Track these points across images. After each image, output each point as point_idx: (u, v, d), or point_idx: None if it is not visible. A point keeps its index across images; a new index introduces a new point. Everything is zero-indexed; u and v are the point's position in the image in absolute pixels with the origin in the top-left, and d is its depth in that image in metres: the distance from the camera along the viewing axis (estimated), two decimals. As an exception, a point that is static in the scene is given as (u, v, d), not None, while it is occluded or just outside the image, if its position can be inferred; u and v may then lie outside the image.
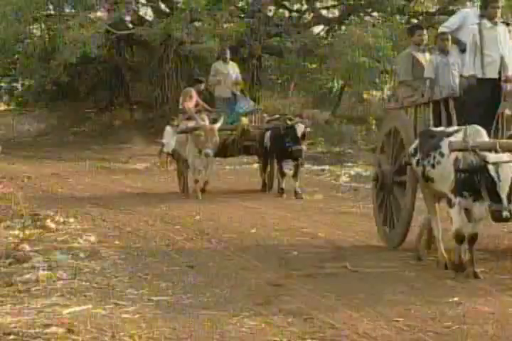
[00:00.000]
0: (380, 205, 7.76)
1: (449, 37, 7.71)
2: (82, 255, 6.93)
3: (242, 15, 22.88)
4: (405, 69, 7.96)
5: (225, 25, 21.83)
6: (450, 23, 8.00)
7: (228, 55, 13.12)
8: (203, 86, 13.17)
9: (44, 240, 7.59)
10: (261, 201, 11.06)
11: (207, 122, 11.51)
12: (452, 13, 23.66)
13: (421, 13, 23.96)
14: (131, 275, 6.28)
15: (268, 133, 11.92)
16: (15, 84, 27.55)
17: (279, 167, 11.75)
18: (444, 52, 7.65)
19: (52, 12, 23.23)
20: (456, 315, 5.07)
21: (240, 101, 12.73)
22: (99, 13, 22.90)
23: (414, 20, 23.72)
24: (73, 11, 22.82)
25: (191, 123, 11.67)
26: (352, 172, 14.20)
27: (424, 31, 8.37)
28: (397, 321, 4.94)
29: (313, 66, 24.50)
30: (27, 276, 6.04)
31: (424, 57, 7.94)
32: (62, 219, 8.86)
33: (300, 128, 11.29)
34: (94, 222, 9.09)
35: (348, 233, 8.26)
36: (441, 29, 8.02)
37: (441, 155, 6.45)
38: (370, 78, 21.18)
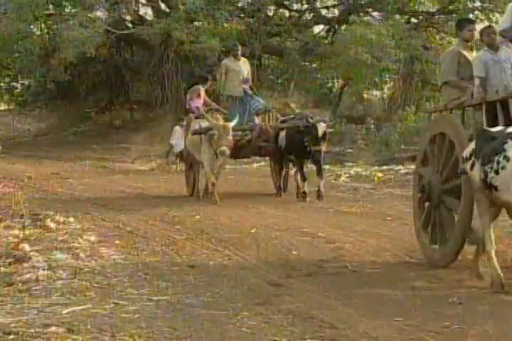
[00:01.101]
0: (425, 219, 6.94)
1: (496, 30, 6.93)
2: (82, 255, 6.93)
3: (242, 15, 22.88)
4: (450, 69, 7.08)
5: (224, 25, 21.83)
6: (503, 21, 7.19)
7: (240, 51, 12.39)
8: (209, 83, 12.65)
9: (44, 240, 7.60)
10: (261, 201, 11.05)
11: (221, 121, 10.98)
12: (452, 12, 23.85)
13: (421, 12, 23.98)
14: (131, 275, 6.28)
15: (283, 133, 11.34)
16: (14, 84, 27.56)
17: (299, 168, 11.22)
18: (493, 47, 6.82)
19: (52, 11, 23.24)
20: (456, 315, 5.07)
21: (253, 101, 12.06)
22: (98, 13, 22.91)
23: (415, 20, 23.75)
24: (73, 10, 22.83)
25: (204, 123, 11.16)
26: (352, 172, 14.20)
27: (476, 26, 7.38)
28: (397, 321, 4.94)
29: (314, 66, 24.51)
30: (27, 276, 6.04)
31: (472, 55, 7.07)
32: (62, 219, 8.86)
33: (322, 128, 10.71)
34: (94, 222, 9.09)
35: (348, 233, 8.25)
36: (499, 30, 7.10)
37: (507, 159, 5.72)
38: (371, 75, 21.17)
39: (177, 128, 16.81)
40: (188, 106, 12.29)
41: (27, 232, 7.91)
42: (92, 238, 7.81)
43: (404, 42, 21.21)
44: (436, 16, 23.67)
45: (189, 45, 21.06)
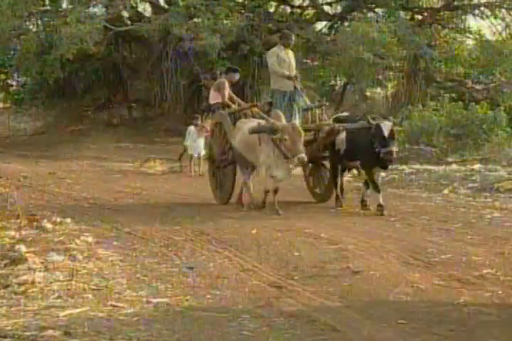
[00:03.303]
0: None
1: None
2: (79, 256, 6.93)
3: (243, 11, 22.89)
4: None
5: (224, 21, 21.83)
6: None
7: (292, 41, 11.10)
8: (237, 76, 11.51)
9: (40, 241, 7.59)
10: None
11: (283, 120, 9.80)
12: (457, 8, 23.85)
13: (425, 8, 23.97)
14: (130, 277, 6.28)
15: (342, 135, 10.18)
16: (10, 82, 27.56)
17: (370, 177, 10.03)
18: None
19: (48, 7, 23.25)
20: (462, 318, 5.07)
21: (302, 97, 10.82)
22: (96, 9, 22.93)
23: (419, 17, 23.76)
24: (70, 6, 22.86)
25: (252, 122, 10.05)
26: (355, 171, 14.17)
27: None
28: (401, 323, 4.94)
29: (316, 63, 24.52)
30: (23, 278, 6.03)
31: None
32: (58, 220, 8.85)
33: (387, 127, 9.65)
34: (92, 223, 9.09)
35: (350, 233, 8.25)
36: None
37: None
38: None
39: (191, 128, 16.10)
40: (213, 102, 11.22)
41: (23, 233, 7.92)
42: (90, 239, 7.80)
43: (408, 39, 21.22)
44: (441, 12, 23.68)
45: (189, 41, 21.07)
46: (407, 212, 9.82)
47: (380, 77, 23.01)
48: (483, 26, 23.44)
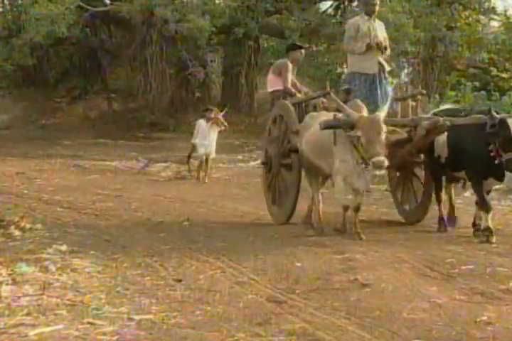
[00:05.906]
0: None
1: None
2: (51, 267, 6.94)
3: (237, -11, 22.91)
4: None
5: (216, 1, 21.84)
6: None
7: (377, 7, 9.50)
8: (302, 54, 10.45)
9: (7, 250, 7.61)
10: (259, 205, 11.06)
11: (364, 112, 8.40)
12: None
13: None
14: (109, 291, 6.29)
15: (443, 136, 8.75)
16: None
17: (479, 191, 8.68)
18: None
19: (16, -15, 23.27)
20: (485, 337, 5.08)
21: (387, 82, 9.57)
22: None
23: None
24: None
25: (325, 117, 8.68)
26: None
27: None
28: (416, 343, 4.97)
29: (320, 48, 24.54)
30: (-12, 292, 6.05)
31: None
32: (28, 226, 8.87)
33: None
34: (66, 229, 9.11)
35: (358, 241, 8.28)
36: None
37: None
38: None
39: (201, 122, 15.16)
40: (271, 89, 10.19)
41: (-13, 241, 7.94)
42: (63, 248, 7.82)
43: (425, 21, 21.24)
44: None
45: (175, 24, 21.09)
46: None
47: (393, 63, 23.02)
48: (510, 6, 23.50)
